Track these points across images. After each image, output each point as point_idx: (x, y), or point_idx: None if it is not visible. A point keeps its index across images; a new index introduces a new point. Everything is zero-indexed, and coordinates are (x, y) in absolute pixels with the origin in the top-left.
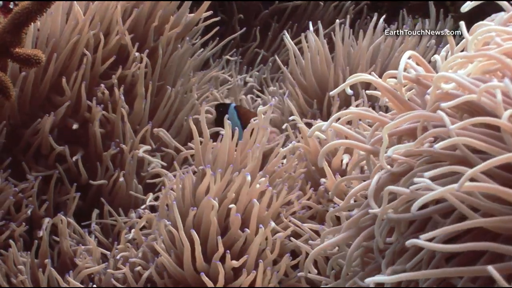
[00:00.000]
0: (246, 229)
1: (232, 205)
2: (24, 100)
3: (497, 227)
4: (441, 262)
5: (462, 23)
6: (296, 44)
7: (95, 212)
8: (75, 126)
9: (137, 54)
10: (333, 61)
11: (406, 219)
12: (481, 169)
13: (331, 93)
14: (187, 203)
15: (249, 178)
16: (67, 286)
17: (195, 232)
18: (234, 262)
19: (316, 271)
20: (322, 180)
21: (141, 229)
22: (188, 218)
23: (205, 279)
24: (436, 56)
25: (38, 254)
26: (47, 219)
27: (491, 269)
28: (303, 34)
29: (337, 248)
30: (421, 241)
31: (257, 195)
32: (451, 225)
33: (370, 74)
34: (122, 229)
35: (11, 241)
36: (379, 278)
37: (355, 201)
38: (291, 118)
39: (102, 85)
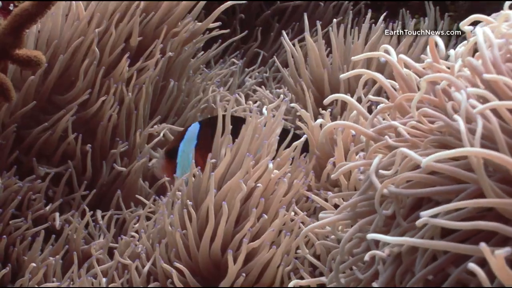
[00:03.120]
0: (264, 215)
1: (259, 184)
2: (27, 102)
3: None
4: (439, 251)
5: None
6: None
7: (99, 212)
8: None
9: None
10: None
11: (407, 195)
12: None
13: (355, 69)
14: (203, 188)
15: (271, 165)
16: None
17: (225, 204)
18: (252, 243)
19: (307, 250)
20: (331, 160)
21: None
22: (205, 200)
23: (230, 258)
24: (451, 51)
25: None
26: (57, 214)
27: None
28: (306, 35)
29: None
30: (431, 219)
31: (274, 183)
32: (453, 203)
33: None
34: (129, 220)
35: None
36: (382, 236)
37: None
38: (292, 105)
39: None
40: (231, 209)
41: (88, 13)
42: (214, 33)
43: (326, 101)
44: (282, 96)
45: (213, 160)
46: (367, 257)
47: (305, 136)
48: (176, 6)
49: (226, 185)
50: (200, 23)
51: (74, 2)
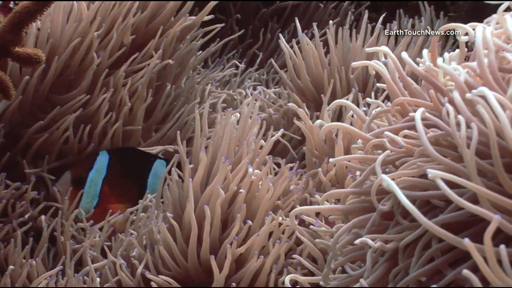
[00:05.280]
0: (248, 221)
1: (241, 190)
2: (25, 100)
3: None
4: (437, 253)
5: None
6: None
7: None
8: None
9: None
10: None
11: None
12: None
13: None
14: (185, 195)
15: (251, 169)
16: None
17: (207, 208)
18: (239, 249)
19: (296, 222)
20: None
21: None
22: (187, 208)
23: (213, 263)
24: (446, 54)
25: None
26: (42, 217)
27: None
28: (302, 35)
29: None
30: (437, 179)
31: (257, 185)
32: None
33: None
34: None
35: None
36: (390, 181)
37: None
38: (289, 104)
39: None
40: (213, 214)
41: (90, 13)
42: (210, 27)
43: (330, 108)
44: (255, 91)
45: (191, 166)
46: (357, 241)
47: (281, 130)
48: (166, 4)
49: (207, 190)
50: (193, 17)
51: (75, 2)
